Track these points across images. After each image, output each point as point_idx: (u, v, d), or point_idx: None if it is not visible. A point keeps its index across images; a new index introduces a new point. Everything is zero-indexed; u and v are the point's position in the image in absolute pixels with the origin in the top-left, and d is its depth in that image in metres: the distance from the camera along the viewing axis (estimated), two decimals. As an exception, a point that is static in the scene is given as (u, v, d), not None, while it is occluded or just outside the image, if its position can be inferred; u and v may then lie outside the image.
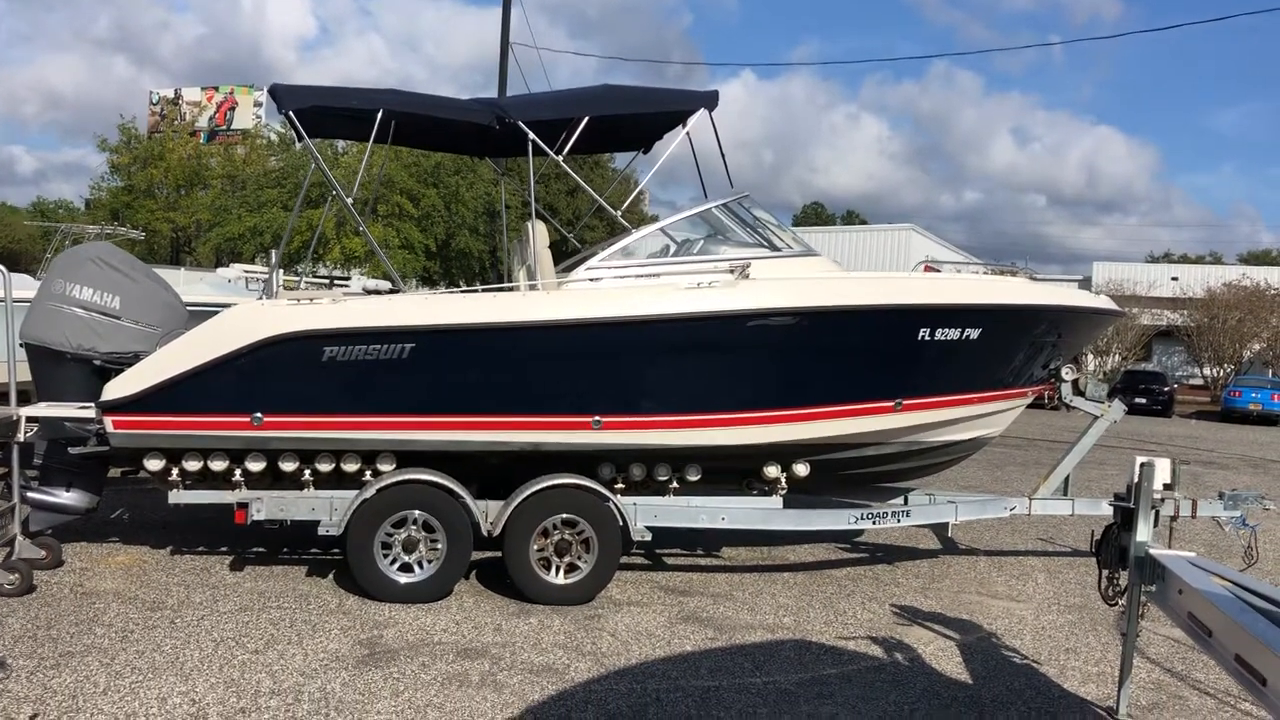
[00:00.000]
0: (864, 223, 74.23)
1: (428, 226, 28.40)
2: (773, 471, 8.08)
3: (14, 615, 6.41)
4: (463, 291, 7.40)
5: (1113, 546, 6.21)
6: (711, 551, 9.34)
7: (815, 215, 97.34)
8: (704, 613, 7.36)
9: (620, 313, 7.27)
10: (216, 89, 50.52)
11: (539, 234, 7.84)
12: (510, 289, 7.56)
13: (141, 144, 34.80)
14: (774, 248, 8.01)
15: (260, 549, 8.48)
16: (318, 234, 11.76)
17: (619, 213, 7.74)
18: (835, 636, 6.99)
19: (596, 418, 7.38)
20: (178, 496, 7.39)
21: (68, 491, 7.75)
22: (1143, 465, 5.97)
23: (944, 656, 6.69)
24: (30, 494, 7.64)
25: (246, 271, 19.08)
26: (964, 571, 9.18)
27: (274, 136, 34.19)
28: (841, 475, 8.66)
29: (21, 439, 7.27)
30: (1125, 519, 6.00)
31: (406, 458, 7.43)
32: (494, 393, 7.27)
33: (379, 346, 7.05)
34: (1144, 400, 34.75)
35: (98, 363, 7.52)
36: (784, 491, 8.19)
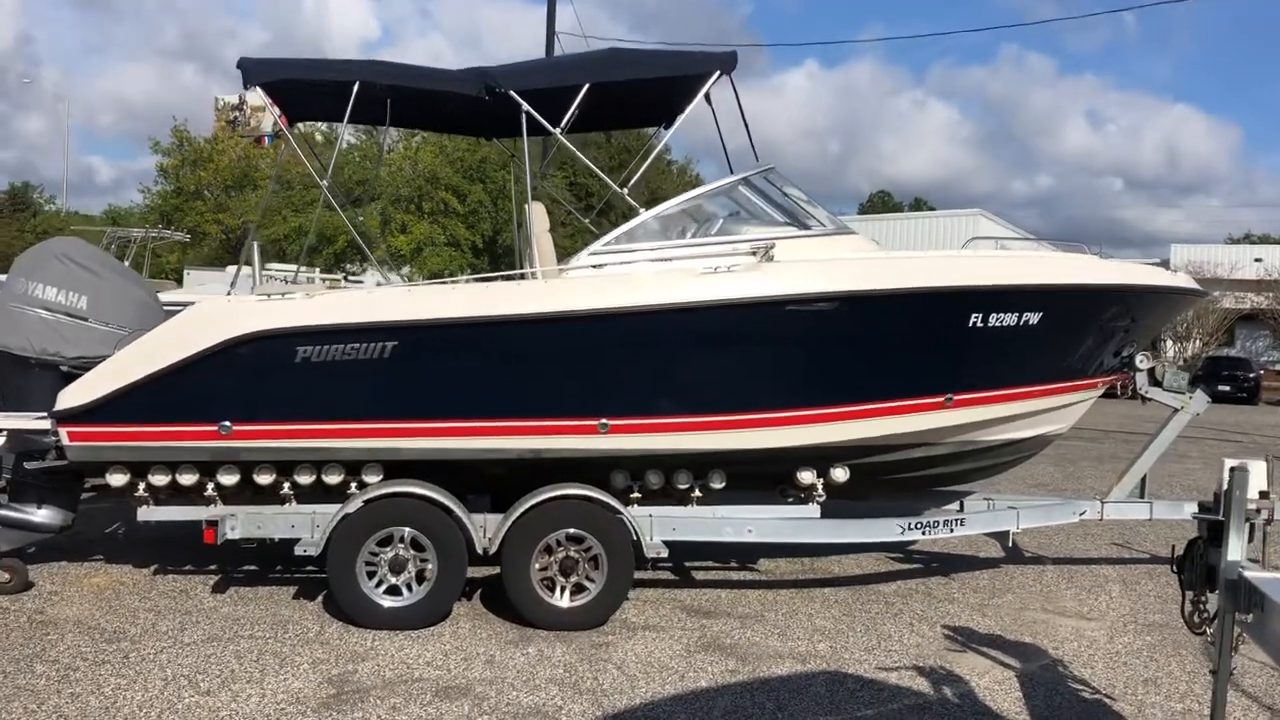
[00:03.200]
0: (931, 209, 72.48)
1: (474, 223, 27.86)
2: (808, 477, 7.22)
3: (-46, 650, 5.81)
4: (451, 282, 6.66)
5: (1198, 565, 5.25)
6: (747, 564, 8.49)
7: (882, 203, 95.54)
8: (728, 639, 6.53)
9: (626, 302, 6.47)
10: (281, 93, 50.48)
11: (537, 217, 7.08)
12: (503, 278, 6.80)
13: (192, 146, 34.86)
14: (803, 226, 7.14)
15: (252, 566, 7.82)
16: (305, 231, 11.08)
17: (625, 190, 6.93)
18: (875, 667, 6.12)
19: (603, 420, 6.59)
20: (147, 514, 6.76)
21: (39, 509, 7.15)
22: (1233, 470, 4.99)
23: (1001, 691, 5.79)
24: (1, 511, 7.08)
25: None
26: (1029, 584, 8.23)
27: (319, 137, 33.97)
28: (886, 480, 7.76)
29: (-18, 453, 6.70)
30: (1213, 533, 5.04)
31: (394, 468, 6.71)
32: (487, 395, 6.52)
33: (358, 345, 6.34)
34: (1228, 388, 33.14)
35: (64, 368, 6.90)
36: (821, 499, 7.33)
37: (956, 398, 7.17)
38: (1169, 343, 41.00)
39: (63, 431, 6.34)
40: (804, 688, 5.74)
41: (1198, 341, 42.24)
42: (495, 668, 5.84)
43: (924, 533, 7.44)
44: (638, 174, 7.27)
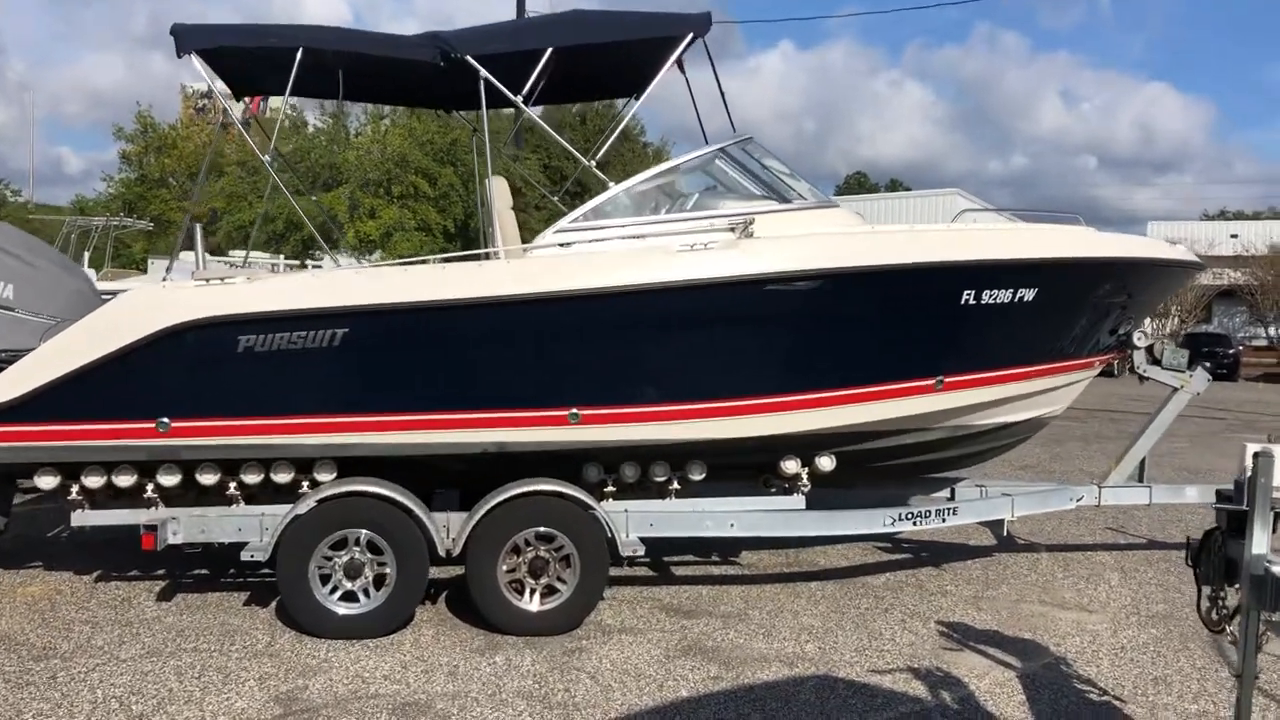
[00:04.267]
0: (908, 190, 72.14)
1: (445, 207, 27.20)
2: (792, 467, 6.79)
3: None
4: (404, 263, 6.17)
5: (1216, 558, 4.84)
6: (729, 557, 8.07)
7: (858, 185, 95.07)
8: (710, 641, 6.10)
9: (595, 283, 6.00)
10: (249, 80, 49.52)
11: (499, 192, 6.60)
12: (465, 259, 6.32)
13: (156, 132, 34.03)
14: (784, 200, 6.68)
15: (203, 571, 7.33)
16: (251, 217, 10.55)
17: (592, 161, 6.45)
18: (867, 669, 5.71)
19: (573, 410, 6.13)
20: (81, 518, 6.25)
21: (-33, 513, 6.67)
22: (1257, 455, 4.58)
23: (1002, 694, 5.39)
24: (-73, 518, 6.59)
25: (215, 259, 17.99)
26: (1024, 573, 7.84)
27: (284, 120, 33.26)
28: (874, 468, 7.34)
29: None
30: (1234, 524, 4.64)
31: (348, 466, 6.24)
32: (447, 385, 6.06)
33: (304, 333, 5.86)
34: (1208, 364, 32.69)
35: (-10, 362, 6.40)
36: (807, 489, 6.90)
37: (948, 380, 6.75)
38: (1147, 319, 40.82)
39: (-16, 432, 5.83)
40: (792, 695, 5.32)
41: (1176, 318, 42.12)
42: (458, 680, 5.40)
43: (914, 523, 7.03)
44: (604, 145, 6.79)
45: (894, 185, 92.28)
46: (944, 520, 7.15)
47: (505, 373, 6.08)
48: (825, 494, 7.25)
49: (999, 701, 5.29)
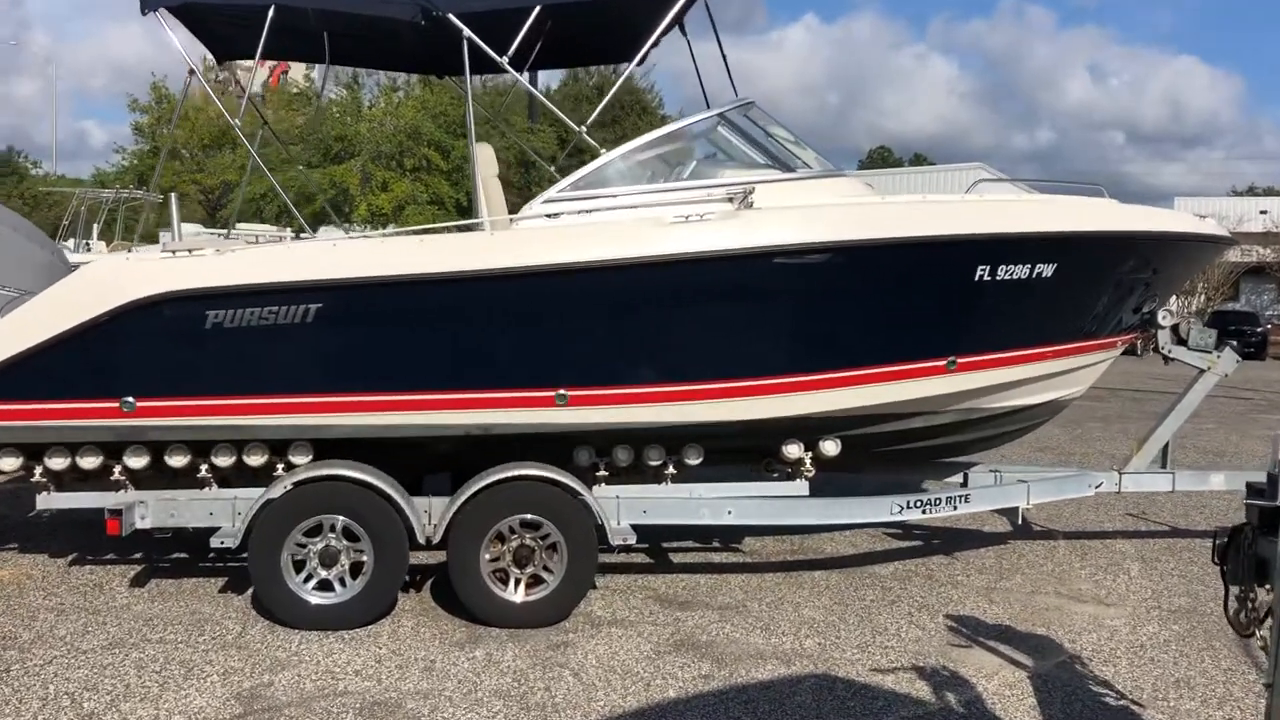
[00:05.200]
0: (932, 165, 71.28)
1: (458, 180, 26.86)
2: (794, 451, 6.44)
3: None
4: (381, 235, 5.84)
5: (1246, 556, 4.46)
6: (731, 543, 7.73)
7: (881, 159, 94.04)
8: (704, 635, 5.79)
9: (585, 256, 5.66)
10: (270, 53, 49.26)
11: (484, 160, 6.25)
12: (448, 230, 5.98)
13: (170, 103, 33.79)
14: (787, 168, 6.31)
15: (181, 554, 7.06)
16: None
17: (583, 129, 6.07)
18: (869, 668, 5.38)
19: (561, 391, 5.80)
20: (46, 501, 5.99)
21: (-65, 494, 6.41)
22: (1291, 446, 4.21)
23: (1011, 696, 5.05)
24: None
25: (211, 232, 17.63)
26: (1039, 562, 7.48)
27: (294, 90, 32.97)
28: (882, 452, 6.99)
29: None
30: (1266, 520, 4.26)
31: (325, 448, 5.93)
32: (427, 364, 5.74)
33: (276, 308, 5.54)
34: (1235, 343, 32.12)
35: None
36: (810, 474, 6.56)
37: (961, 361, 6.38)
38: (1173, 297, 40.10)
39: (-61, 411, 5.55)
40: (787, 697, 4.99)
41: (1203, 296, 41.36)
42: (434, 677, 5.10)
43: (924, 511, 6.67)
44: (598, 109, 6.41)
45: (918, 160, 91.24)
46: (955, 508, 6.79)
47: (488, 351, 5.76)
48: (831, 480, 6.91)
49: (1007, 705, 4.95)
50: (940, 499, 6.70)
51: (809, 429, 6.35)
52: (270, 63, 45.96)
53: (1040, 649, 5.73)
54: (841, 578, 6.96)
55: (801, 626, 5.98)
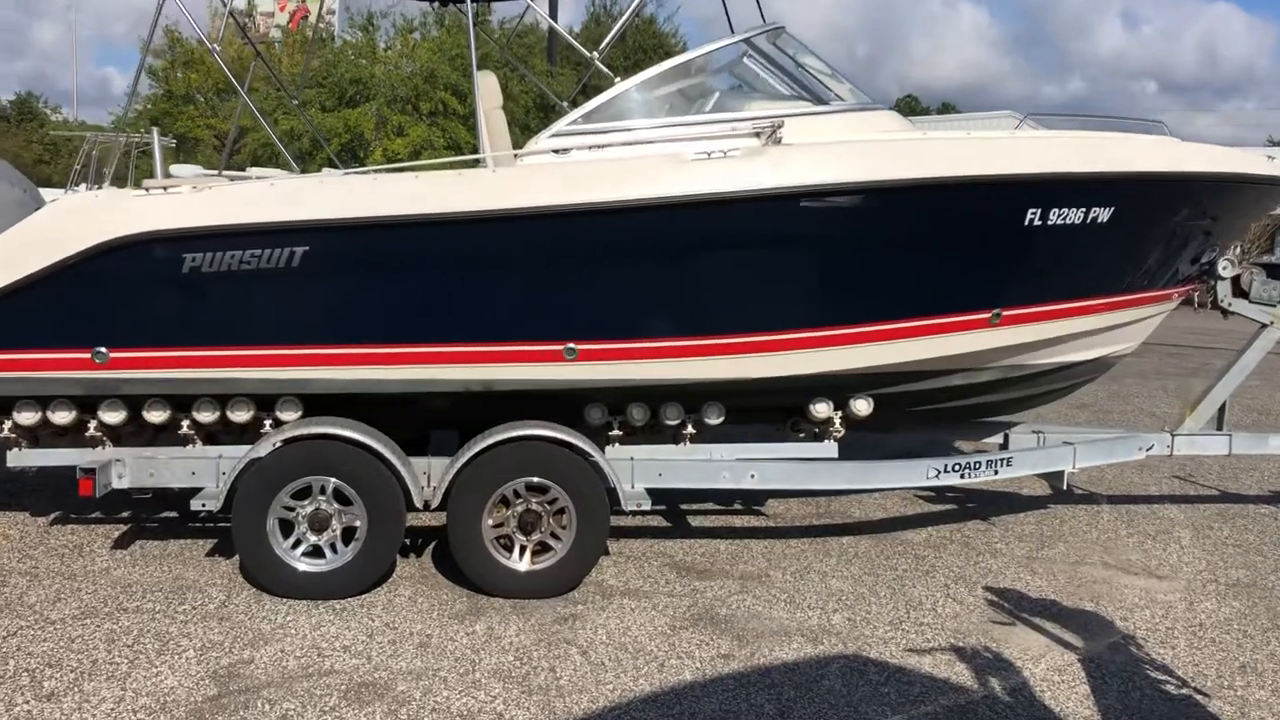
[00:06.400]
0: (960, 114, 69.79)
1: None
2: (823, 410, 5.95)
3: None
4: (372, 171, 5.33)
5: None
6: (753, 506, 7.27)
7: (910, 109, 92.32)
8: (723, 608, 5.34)
9: (596, 197, 5.15)
10: (289, -1, 48.62)
11: (487, 90, 5.73)
12: (447, 166, 5.48)
13: (183, 47, 33.18)
14: (819, 101, 5.75)
15: (171, 514, 6.66)
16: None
17: (597, 54, 5.53)
18: (903, 649, 4.92)
19: (569, 345, 5.32)
20: (17, 458, 5.57)
21: (-94, 449, 6.01)
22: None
23: (1061, 682, 4.60)
24: None
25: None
26: (1083, 529, 7.00)
27: (309, 33, 32.24)
28: (917, 411, 6.49)
29: None
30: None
31: (315, 404, 5.48)
32: (423, 313, 5.27)
33: (259, 251, 5.07)
34: None
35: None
36: (840, 435, 6.07)
37: (1006, 313, 5.85)
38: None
39: (-103, 360, 5.13)
40: (815, 681, 4.55)
41: (1238, 248, 40.36)
42: (429, 654, 4.68)
43: (963, 475, 6.18)
44: (612, 35, 5.84)
45: (946, 109, 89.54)
46: (996, 472, 6.30)
47: (489, 300, 5.27)
48: (862, 439, 6.44)
49: (1057, 692, 4.50)
50: (980, 462, 6.21)
51: (839, 386, 5.86)
52: (291, 5, 45.29)
53: (1090, 628, 5.26)
54: (871, 544, 6.50)
55: (829, 599, 5.53)
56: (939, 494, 7.68)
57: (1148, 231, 6.18)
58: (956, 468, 6.12)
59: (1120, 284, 6.35)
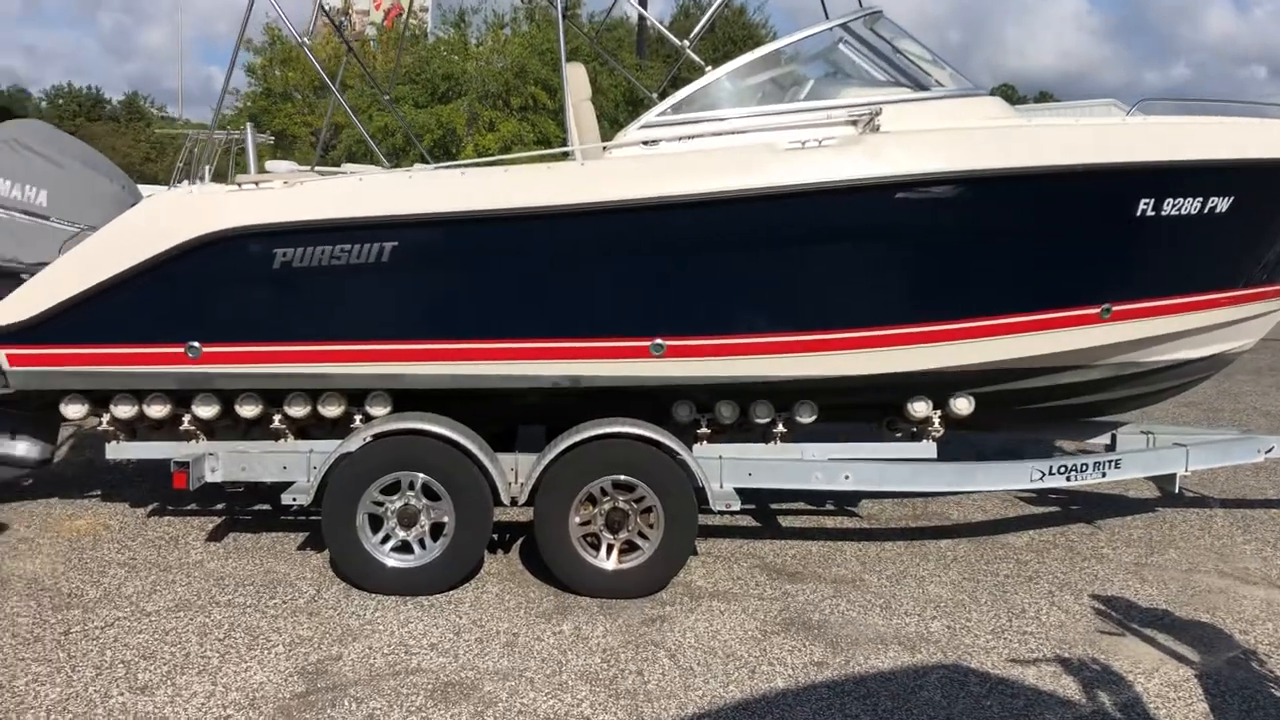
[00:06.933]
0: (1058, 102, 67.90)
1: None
2: (922, 409, 5.75)
3: None
4: (460, 166, 5.28)
5: None
6: (846, 506, 7.08)
7: (1005, 98, 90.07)
8: (816, 613, 5.18)
9: (685, 189, 5.02)
10: (383, -4, 49.53)
11: (575, 82, 5.64)
12: (536, 159, 5.41)
13: (282, 45, 33.90)
14: (919, 87, 5.53)
15: (264, 506, 6.73)
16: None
17: (688, 43, 5.40)
18: (1006, 659, 4.71)
19: (657, 341, 5.21)
20: (116, 450, 5.68)
21: (13, 440, 6.16)
22: None
23: (1177, 699, 4.34)
24: (-29, 443, 6.11)
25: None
26: (1194, 534, 6.65)
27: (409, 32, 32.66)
28: (1021, 410, 6.23)
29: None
30: None
31: (404, 399, 5.47)
32: (509, 308, 5.21)
33: (348, 246, 5.06)
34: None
35: (26, 277, 5.80)
36: (939, 435, 5.86)
37: (1117, 308, 5.58)
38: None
39: (2, 354, 5.24)
40: (913, 692, 4.37)
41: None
42: (515, 654, 4.61)
43: (1069, 478, 5.91)
44: (703, 24, 5.69)
45: (1043, 97, 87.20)
46: (1104, 475, 6.02)
47: (577, 295, 5.19)
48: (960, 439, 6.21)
49: (1173, 710, 4.26)
50: (1087, 464, 5.93)
51: (940, 384, 5.65)
52: (385, 3, 46.03)
53: (1206, 640, 4.97)
54: (971, 548, 6.27)
55: (927, 605, 5.33)
56: (1041, 496, 7.38)
57: (1270, 222, 5.83)
58: (1062, 470, 5.86)
59: (1239, 278, 6.01)
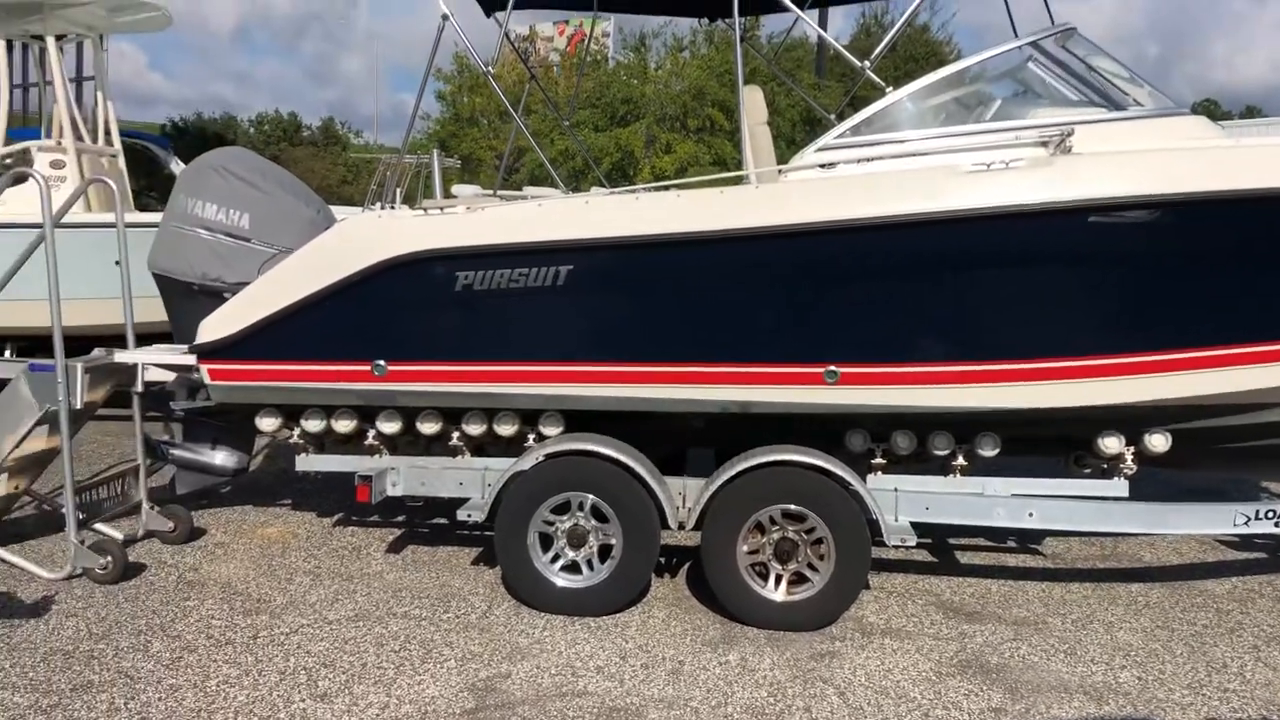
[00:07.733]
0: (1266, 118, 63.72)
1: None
2: (1113, 445, 5.43)
3: (80, 615, 5.16)
4: (636, 191, 5.31)
5: None
6: (1029, 544, 6.77)
7: (1207, 114, 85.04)
8: (995, 656, 4.95)
9: (863, 213, 4.90)
10: (567, 22, 50.77)
11: (752, 105, 5.59)
12: (712, 183, 5.39)
13: (470, 72, 35.16)
14: (1116, 107, 5.25)
15: (441, 520, 6.94)
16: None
17: (868, 64, 5.28)
18: (1204, 716, 4.38)
19: (831, 368, 5.10)
20: (305, 463, 5.96)
21: (213, 449, 6.56)
22: None
23: (1407, 776, 3.93)
24: (176, 451, 6.54)
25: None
26: None
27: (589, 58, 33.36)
28: (1222, 449, 5.81)
29: (140, 388, 6.09)
30: None
31: (576, 420, 5.53)
32: (681, 332, 5.20)
33: (526, 270, 5.16)
34: None
35: (228, 296, 6.17)
36: (1131, 472, 5.53)
37: None
38: None
39: (204, 369, 5.58)
40: (1099, 748, 4.11)
41: None
42: (681, 682, 4.57)
43: (1277, 524, 5.47)
44: (884, 44, 5.54)
45: (1250, 113, 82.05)
46: (1319, 521, 5.53)
47: (749, 320, 5.13)
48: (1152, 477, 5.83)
49: (1401, 787, 3.85)
50: (1299, 509, 5.47)
51: (1134, 419, 5.33)
52: (569, 30, 47.24)
53: None
54: (1164, 594, 5.88)
55: (1115, 653, 5.01)
56: (1244, 541, 6.87)
57: None
58: (1270, 515, 5.43)
59: None
